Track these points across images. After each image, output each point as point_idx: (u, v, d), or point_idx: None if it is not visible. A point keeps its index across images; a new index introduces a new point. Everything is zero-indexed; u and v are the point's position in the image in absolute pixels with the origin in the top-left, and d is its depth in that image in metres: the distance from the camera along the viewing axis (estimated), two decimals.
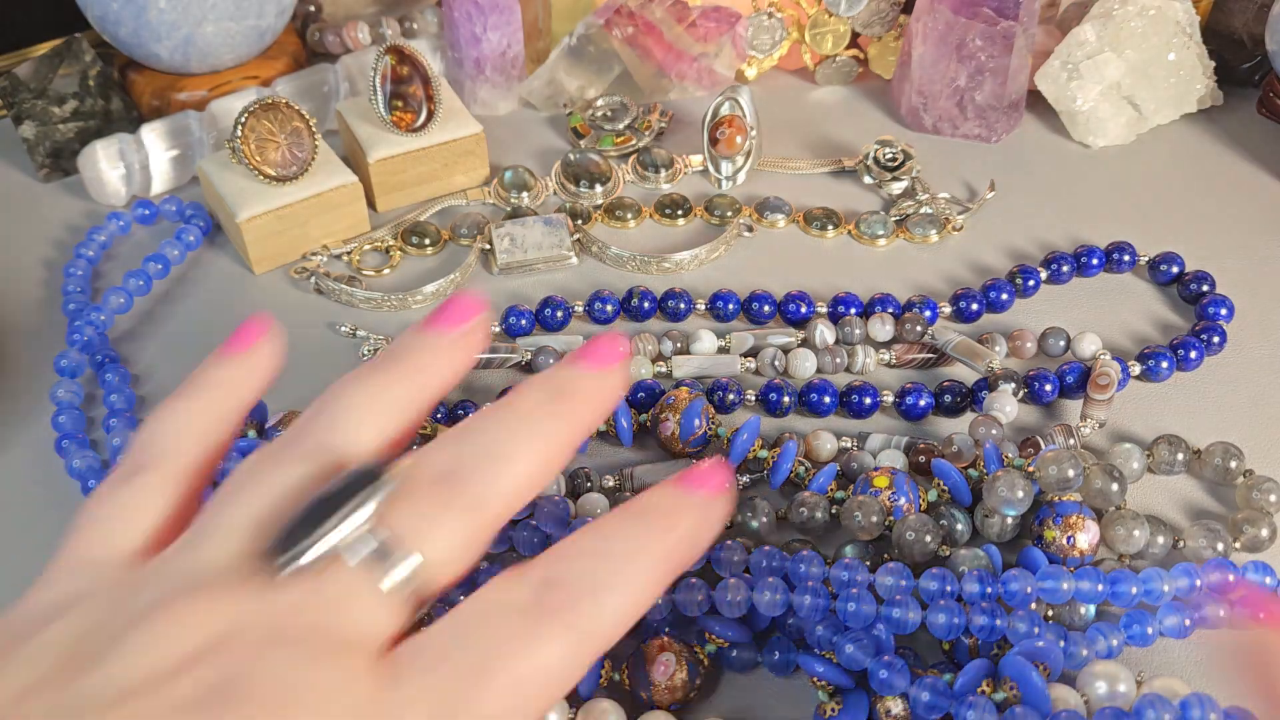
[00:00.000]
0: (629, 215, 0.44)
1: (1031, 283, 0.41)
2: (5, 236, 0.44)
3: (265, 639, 0.19)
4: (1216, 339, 0.38)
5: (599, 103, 0.49)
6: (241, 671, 0.19)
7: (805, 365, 0.37)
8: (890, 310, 0.39)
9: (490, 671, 0.20)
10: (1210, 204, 0.46)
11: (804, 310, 0.39)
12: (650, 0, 0.49)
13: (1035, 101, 0.50)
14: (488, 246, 0.42)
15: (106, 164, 0.44)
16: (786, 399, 0.36)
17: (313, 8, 0.54)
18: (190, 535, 0.22)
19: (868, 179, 0.46)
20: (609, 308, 0.39)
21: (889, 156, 0.46)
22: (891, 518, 0.31)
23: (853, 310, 0.39)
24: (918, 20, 0.48)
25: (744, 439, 0.34)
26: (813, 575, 0.29)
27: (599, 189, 0.45)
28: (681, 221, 0.45)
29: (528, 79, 0.50)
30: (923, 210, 0.44)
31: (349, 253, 0.42)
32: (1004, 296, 0.40)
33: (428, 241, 0.43)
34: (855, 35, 0.52)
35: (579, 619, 0.21)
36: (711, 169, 0.46)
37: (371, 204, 0.45)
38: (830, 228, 0.44)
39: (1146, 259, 0.42)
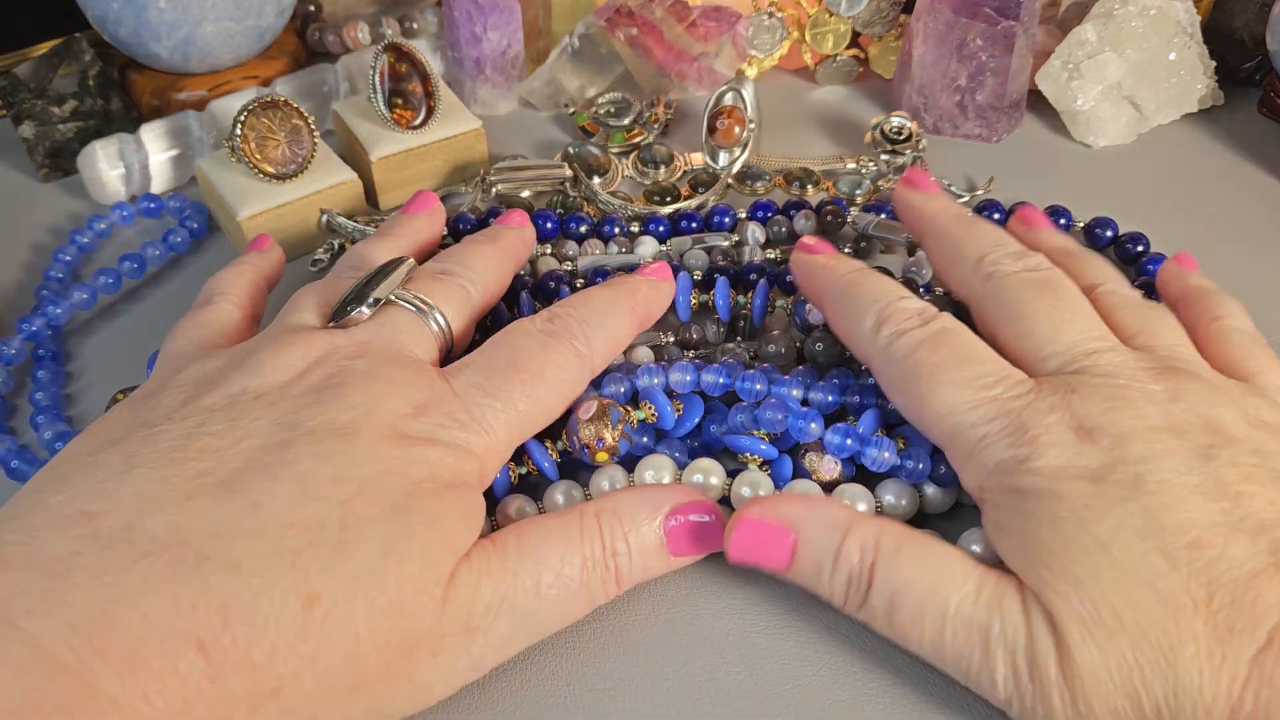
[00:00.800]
0: None
1: None
2: (4, 236, 0.44)
3: (354, 353, 0.28)
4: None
5: (601, 100, 0.49)
6: (343, 370, 0.27)
7: (698, 254, 0.40)
8: (807, 208, 0.42)
9: (519, 366, 0.29)
10: (1211, 204, 0.46)
11: (728, 221, 0.42)
12: (650, 0, 0.49)
13: (1035, 101, 0.50)
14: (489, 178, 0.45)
15: (106, 164, 0.44)
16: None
17: (313, 8, 0.54)
18: (274, 321, 0.30)
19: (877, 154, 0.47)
20: (549, 224, 0.42)
21: (894, 129, 0.46)
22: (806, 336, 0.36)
23: (772, 213, 0.42)
24: (918, 20, 0.48)
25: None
26: (724, 370, 0.33)
27: (597, 180, 0.46)
28: (670, 206, 0.45)
29: (528, 79, 0.50)
30: None
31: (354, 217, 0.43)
32: None
33: None
34: (856, 35, 0.52)
35: (576, 341, 0.30)
36: (708, 158, 0.46)
37: (374, 202, 0.45)
38: (810, 186, 0.45)
39: (1082, 224, 0.43)
